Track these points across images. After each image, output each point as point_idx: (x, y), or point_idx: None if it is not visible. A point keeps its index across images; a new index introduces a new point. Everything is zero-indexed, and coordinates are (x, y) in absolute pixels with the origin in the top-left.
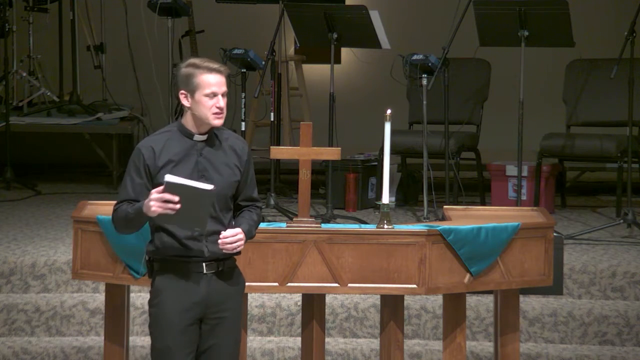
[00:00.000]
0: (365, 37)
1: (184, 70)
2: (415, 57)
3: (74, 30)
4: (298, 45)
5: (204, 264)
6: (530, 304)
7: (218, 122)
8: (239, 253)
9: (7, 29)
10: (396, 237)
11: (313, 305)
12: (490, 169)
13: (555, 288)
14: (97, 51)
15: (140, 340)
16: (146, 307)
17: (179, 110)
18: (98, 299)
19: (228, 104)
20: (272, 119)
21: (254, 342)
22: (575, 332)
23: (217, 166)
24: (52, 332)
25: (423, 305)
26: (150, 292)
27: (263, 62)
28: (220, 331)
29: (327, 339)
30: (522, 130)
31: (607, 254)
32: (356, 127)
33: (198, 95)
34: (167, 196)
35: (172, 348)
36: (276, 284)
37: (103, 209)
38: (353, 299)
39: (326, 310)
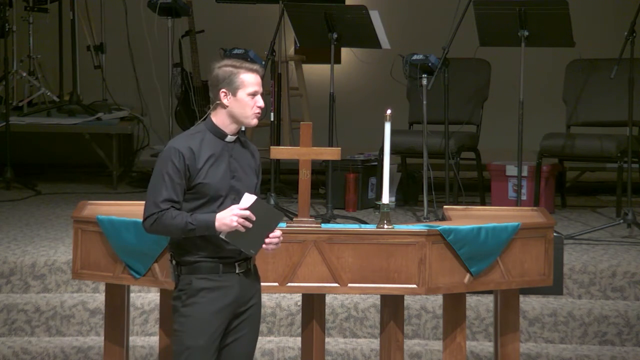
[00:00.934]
0: (365, 37)
1: (223, 69)
2: (415, 57)
3: (74, 30)
4: (298, 45)
5: (236, 263)
6: (530, 304)
7: (256, 121)
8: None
9: (7, 29)
10: (396, 237)
11: (313, 305)
12: (490, 169)
13: (555, 288)
14: (97, 51)
15: (140, 340)
16: (146, 307)
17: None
18: (98, 299)
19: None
20: (272, 119)
21: None
22: (575, 332)
23: (244, 168)
24: (52, 332)
25: (423, 305)
26: (182, 293)
27: (263, 62)
28: (244, 327)
29: (327, 339)
30: (522, 130)
31: (607, 254)
32: (356, 127)
33: (240, 94)
34: (249, 214)
35: (206, 348)
36: (276, 284)
37: (103, 209)
38: (353, 299)
39: (326, 310)
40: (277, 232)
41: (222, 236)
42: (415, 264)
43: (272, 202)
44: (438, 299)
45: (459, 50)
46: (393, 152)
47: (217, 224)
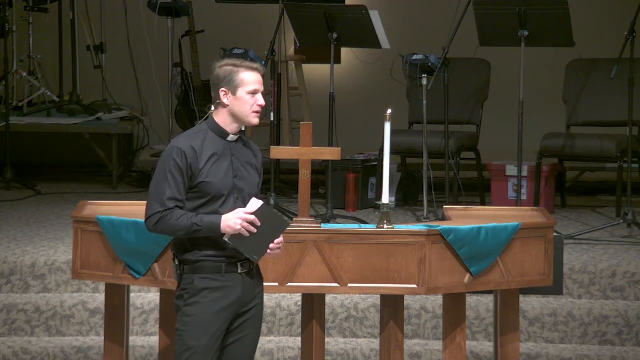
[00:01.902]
0: (365, 37)
1: (223, 69)
2: (415, 57)
3: (74, 30)
4: (298, 45)
5: (239, 264)
6: (530, 304)
7: (256, 120)
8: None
9: (7, 29)
10: (396, 237)
11: (313, 305)
12: (490, 169)
13: (555, 288)
14: (97, 51)
15: (140, 340)
16: (146, 307)
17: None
18: (98, 299)
19: None
20: (272, 119)
21: None
22: (575, 332)
23: (246, 167)
24: (52, 332)
25: (423, 305)
26: (184, 292)
27: (263, 62)
28: (246, 328)
29: (327, 339)
30: (522, 130)
31: (607, 254)
32: (356, 127)
33: (240, 93)
34: (254, 219)
35: (208, 348)
36: (276, 284)
37: (103, 209)
38: (353, 299)
39: (326, 310)
40: (279, 239)
41: (225, 239)
42: (415, 264)
43: (272, 202)
44: (438, 299)
45: (459, 50)
46: (393, 152)
47: (222, 225)
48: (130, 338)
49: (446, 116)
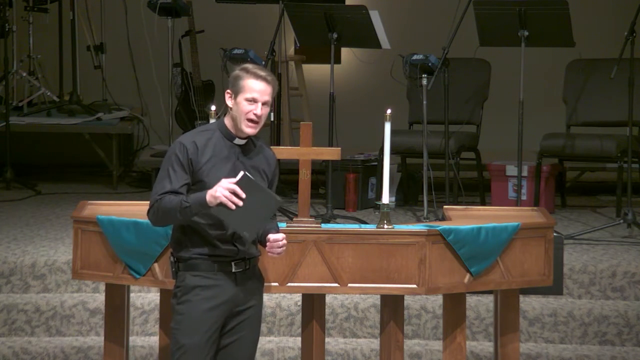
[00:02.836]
0: (365, 37)
1: (235, 72)
2: (415, 57)
3: (74, 30)
4: (298, 45)
5: (232, 263)
6: (530, 304)
7: (249, 130)
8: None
9: (7, 29)
10: (396, 237)
11: (313, 305)
12: (490, 169)
13: (555, 288)
14: (97, 51)
15: (140, 340)
16: (146, 307)
17: (223, 110)
18: (98, 299)
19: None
20: (272, 119)
21: None
22: (575, 332)
23: (251, 171)
24: (52, 332)
25: (423, 305)
26: (178, 290)
27: (263, 62)
28: (243, 328)
29: (327, 339)
30: (522, 130)
31: (607, 254)
32: (356, 127)
33: (240, 98)
34: (237, 189)
35: (200, 346)
36: (276, 284)
37: (103, 209)
38: (353, 299)
39: (326, 310)
40: (278, 236)
41: (212, 212)
42: (415, 264)
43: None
44: (438, 299)
45: (459, 50)
46: (393, 152)
47: (207, 197)
48: (130, 338)
49: (446, 116)
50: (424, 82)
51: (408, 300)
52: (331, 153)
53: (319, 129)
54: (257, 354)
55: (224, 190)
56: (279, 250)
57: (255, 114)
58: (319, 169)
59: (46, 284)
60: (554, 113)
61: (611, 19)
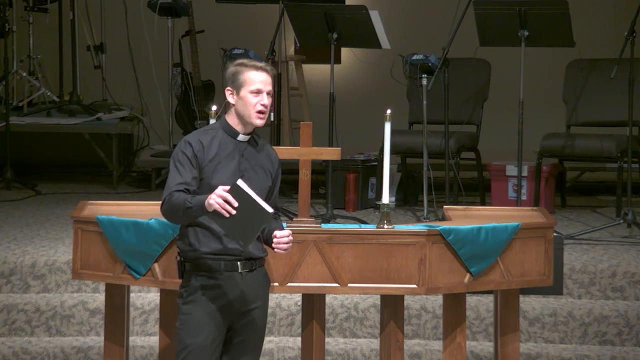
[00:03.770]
0: (365, 37)
1: (232, 68)
2: (415, 57)
3: (74, 30)
4: (298, 45)
5: (238, 262)
6: (530, 304)
7: (260, 122)
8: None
9: (7, 29)
10: (396, 237)
11: (313, 305)
12: (490, 169)
13: (555, 288)
14: (97, 51)
15: (140, 340)
16: (146, 307)
17: (223, 108)
18: (98, 299)
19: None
20: (272, 119)
21: None
22: (575, 332)
23: (256, 169)
24: (52, 332)
25: (423, 305)
26: (183, 290)
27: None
28: (248, 329)
29: (327, 339)
30: (522, 130)
31: (607, 254)
32: (356, 127)
33: (243, 92)
34: (229, 197)
35: (205, 346)
36: (276, 284)
37: (103, 209)
38: (353, 299)
39: (326, 310)
40: (284, 232)
41: (209, 217)
42: (415, 264)
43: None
44: (438, 299)
45: (459, 50)
46: (393, 152)
47: (205, 202)
48: (130, 338)
49: (446, 116)
50: (424, 82)
51: (408, 300)
52: (331, 153)
53: (319, 129)
54: None
55: (217, 198)
56: (286, 246)
57: (263, 105)
58: (319, 169)
59: (46, 284)
60: (554, 113)
61: (611, 19)
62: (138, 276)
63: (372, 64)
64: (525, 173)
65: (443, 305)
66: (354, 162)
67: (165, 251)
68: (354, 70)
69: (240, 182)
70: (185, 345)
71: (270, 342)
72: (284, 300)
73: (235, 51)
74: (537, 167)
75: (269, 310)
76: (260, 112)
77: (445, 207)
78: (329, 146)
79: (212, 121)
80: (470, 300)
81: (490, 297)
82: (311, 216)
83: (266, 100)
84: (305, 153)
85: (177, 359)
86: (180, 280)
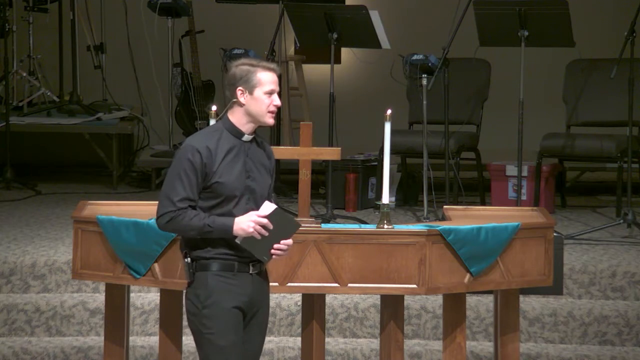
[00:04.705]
0: (365, 37)
1: (240, 67)
2: (415, 57)
3: (74, 30)
4: (298, 45)
5: (250, 264)
6: (530, 304)
7: (272, 121)
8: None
9: (7, 29)
10: (396, 237)
11: (313, 305)
12: (490, 169)
13: (555, 288)
14: (97, 51)
15: (140, 340)
16: (146, 307)
17: (228, 106)
18: (98, 299)
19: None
20: None
21: None
22: (575, 332)
23: (259, 168)
24: (52, 332)
25: (423, 305)
26: (200, 292)
27: None
28: (253, 329)
29: (327, 339)
30: (522, 130)
31: (607, 254)
32: (356, 127)
33: (257, 92)
34: (267, 222)
35: (238, 344)
36: (276, 283)
37: (103, 209)
38: (353, 299)
39: (326, 310)
40: (288, 241)
41: (237, 241)
42: (415, 264)
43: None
44: (438, 299)
45: (459, 50)
46: (393, 152)
47: (234, 227)
48: (130, 338)
49: (446, 116)
50: (424, 82)
51: (408, 300)
52: (331, 153)
53: (319, 129)
54: None
55: (254, 225)
56: (283, 253)
57: (275, 105)
58: (319, 169)
59: (46, 284)
60: (554, 113)
61: (611, 19)
62: (138, 276)
63: (372, 64)
64: (525, 173)
65: (443, 305)
66: (354, 162)
67: (165, 251)
68: (354, 70)
69: (273, 206)
70: (220, 347)
71: (270, 342)
72: (284, 300)
73: (235, 51)
74: (537, 167)
75: (269, 310)
76: (272, 112)
77: (445, 207)
78: (329, 146)
79: (212, 121)
80: (470, 300)
81: (490, 297)
82: (311, 216)
83: (278, 100)
84: (305, 153)
85: None
86: (182, 281)
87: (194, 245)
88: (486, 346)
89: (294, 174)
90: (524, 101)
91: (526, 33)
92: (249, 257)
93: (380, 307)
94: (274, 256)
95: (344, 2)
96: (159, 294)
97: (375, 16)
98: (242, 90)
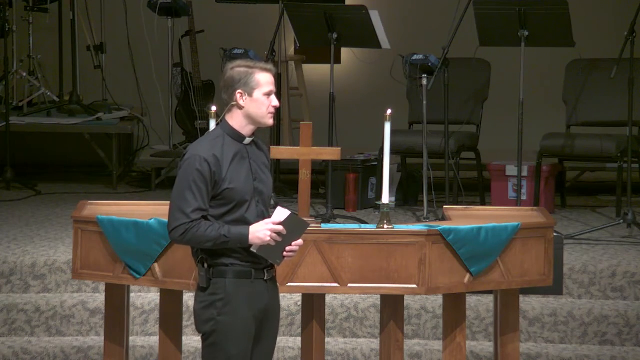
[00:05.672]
0: (365, 37)
1: (237, 70)
2: (415, 57)
3: (74, 30)
4: (298, 45)
5: (265, 270)
6: (530, 304)
7: (272, 122)
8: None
9: (7, 29)
10: (396, 237)
11: (313, 305)
12: (490, 169)
13: (555, 288)
14: (97, 51)
15: (140, 340)
16: (146, 307)
17: (227, 110)
18: (98, 299)
19: None
20: None
21: None
22: (575, 332)
23: (262, 168)
24: (52, 332)
25: (423, 305)
26: (216, 299)
27: None
28: (266, 334)
29: (327, 339)
30: (522, 130)
31: (607, 254)
32: (356, 127)
33: (257, 94)
34: (282, 229)
35: (248, 352)
36: None
37: (103, 209)
38: (353, 299)
39: (326, 310)
40: (299, 241)
41: (253, 249)
42: (415, 264)
43: (272, 202)
44: (438, 299)
45: (459, 50)
46: (393, 152)
47: (250, 237)
48: (130, 338)
49: (446, 116)
50: (424, 82)
51: (408, 300)
52: (331, 153)
53: (319, 129)
54: None
55: (270, 233)
56: (293, 254)
57: (274, 106)
58: (319, 169)
59: (46, 284)
60: (554, 113)
61: (611, 19)
62: (138, 276)
63: (372, 64)
64: (525, 173)
65: (443, 305)
66: (354, 162)
67: (165, 251)
68: (354, 70)
69: (286, 211)
70: (230, 355)
71: None
72: (284, 300)
73: (235, 51)
74: (537, 167)
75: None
76: (271, 113)
77: (445, 207)
78: (329, 146)
79: (212, 121)
80: (470, 300)
81: (490, 297)
82: (311, 216)
83: (276, 101)
84: (305, 153)
85: None
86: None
87: (210, 251)
88: (486, 346)
89: (294, 174)
90: (524, 101)
91: (526, 33)
92: (263, 264)
93: (380, 307)
94: (285, 258)
95: (344, 2)
96: (159, 294)
97: (375, 16)
98: (241, 93)
